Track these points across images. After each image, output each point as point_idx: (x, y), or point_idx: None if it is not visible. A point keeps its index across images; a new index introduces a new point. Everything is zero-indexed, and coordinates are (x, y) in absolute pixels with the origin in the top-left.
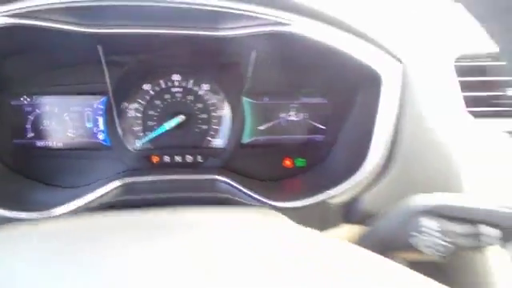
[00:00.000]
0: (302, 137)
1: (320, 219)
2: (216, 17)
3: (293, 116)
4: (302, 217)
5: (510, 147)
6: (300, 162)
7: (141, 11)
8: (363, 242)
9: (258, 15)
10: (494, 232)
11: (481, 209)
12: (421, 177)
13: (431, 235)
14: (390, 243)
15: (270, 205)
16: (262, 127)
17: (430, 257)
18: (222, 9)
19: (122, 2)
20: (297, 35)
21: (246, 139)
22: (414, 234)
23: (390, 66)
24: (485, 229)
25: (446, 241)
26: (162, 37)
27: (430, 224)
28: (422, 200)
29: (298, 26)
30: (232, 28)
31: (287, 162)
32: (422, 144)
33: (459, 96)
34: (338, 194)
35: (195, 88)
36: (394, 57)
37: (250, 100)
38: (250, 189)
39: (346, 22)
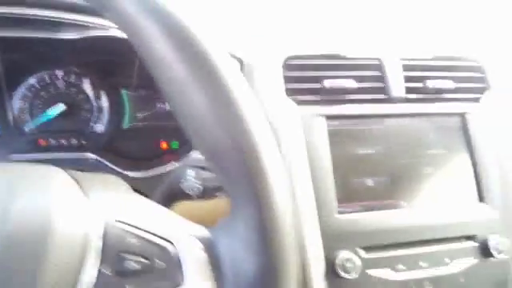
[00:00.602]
0: (175, 123)
1: (159, 189)
2: (57, 24)
3: (166, 105)
4: (144, 186)
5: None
6: (174, 144)
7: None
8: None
9: (85, 23)
10: None
11: None
12: None
13: (191, 180)
14: (171, 192)
15: (118, 172)
16: (139, 115)
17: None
18: (60, 19)
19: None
20: (117, 38)
21: (125, 125)
22: (183, 181)
23: None
24: None
25: (199, 184)
26: (36, 39)
27: (190, 172)
28: None
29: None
30: (73, 33)
31: (164, 145)
32: None
33: (282, 86)
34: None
35: (77, 82)
36: (232, 57)
37: (128, 92)
38: (118, 165)
39: None
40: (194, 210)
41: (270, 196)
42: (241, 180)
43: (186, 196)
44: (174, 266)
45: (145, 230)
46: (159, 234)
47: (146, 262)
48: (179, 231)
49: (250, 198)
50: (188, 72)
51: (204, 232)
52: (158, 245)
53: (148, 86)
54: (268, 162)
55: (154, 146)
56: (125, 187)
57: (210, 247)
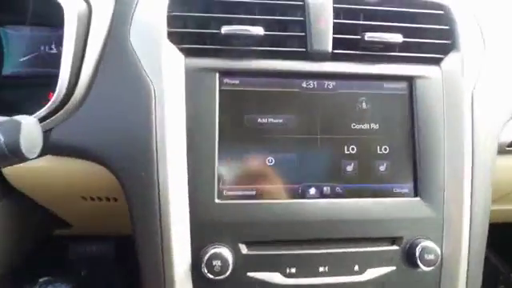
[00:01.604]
0: None
1: None
2: None
3: (54, 49)
4: None
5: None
6: None
7: None
8: None
9: None
10: None
11: None
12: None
13: None
14: None
15: None
16: (23, 59)
17: None
18: None
19: None
20: None
21: (7, 71)
22: None
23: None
24: None
25: None
26: None
27: None
28: None
29: None
30: None
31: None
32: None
33: (164, 29)
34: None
35: None
36: None
37: (8, 31)
38: None
39: None
40: None
41: None
42: None
43: None
44: None
45: None
46: None
47: None
48: None
49: None
50: None
51: None
52: None
53: (34, 23)
54: None
55: (41, 97)
56: None
57: None
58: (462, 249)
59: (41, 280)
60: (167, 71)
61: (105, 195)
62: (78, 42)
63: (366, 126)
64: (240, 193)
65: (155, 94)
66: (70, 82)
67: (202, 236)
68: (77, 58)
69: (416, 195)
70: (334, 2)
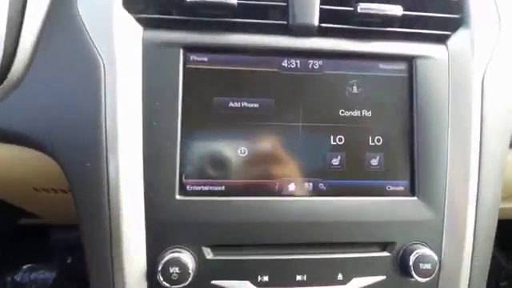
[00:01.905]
0: None
1: None
2: None
3: None
4: None
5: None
6: None
7: None
8: None
9: None
10: None
11: None
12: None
13: None
14: None
15: None
16: None
17: None
18: None
19: None
20: None
21: None
22: None
23: None
24: None
25: None
26: None
27: None
28: None
29: None
30: None
31: None
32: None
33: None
34: None
35: None
36: None
37: None
38: None
39: None
40: None
41: None
42: None
43: None
44: None
45: None
46: None
47: None
48: None
49: None
50: None
51: None
52: None
53: None
54: None
55: None
56: None
57: None
58: (464, 257)
59: (24, 267)
60: (121, 45)
61: (58, 187)
62: (14, 9)
63: (356, 113)
64: (206, 188)
65: (105, 71)
66: (5, 55)
67: (159, 238)
68: (13, 27)
69: (413, 194)
70: None
